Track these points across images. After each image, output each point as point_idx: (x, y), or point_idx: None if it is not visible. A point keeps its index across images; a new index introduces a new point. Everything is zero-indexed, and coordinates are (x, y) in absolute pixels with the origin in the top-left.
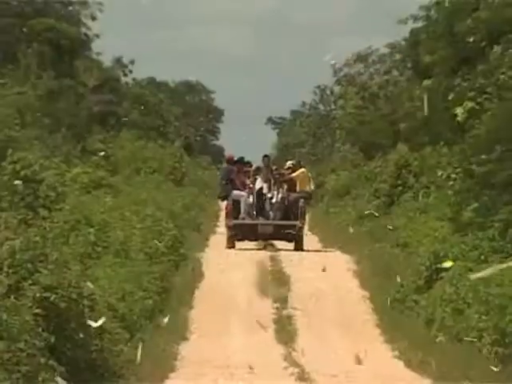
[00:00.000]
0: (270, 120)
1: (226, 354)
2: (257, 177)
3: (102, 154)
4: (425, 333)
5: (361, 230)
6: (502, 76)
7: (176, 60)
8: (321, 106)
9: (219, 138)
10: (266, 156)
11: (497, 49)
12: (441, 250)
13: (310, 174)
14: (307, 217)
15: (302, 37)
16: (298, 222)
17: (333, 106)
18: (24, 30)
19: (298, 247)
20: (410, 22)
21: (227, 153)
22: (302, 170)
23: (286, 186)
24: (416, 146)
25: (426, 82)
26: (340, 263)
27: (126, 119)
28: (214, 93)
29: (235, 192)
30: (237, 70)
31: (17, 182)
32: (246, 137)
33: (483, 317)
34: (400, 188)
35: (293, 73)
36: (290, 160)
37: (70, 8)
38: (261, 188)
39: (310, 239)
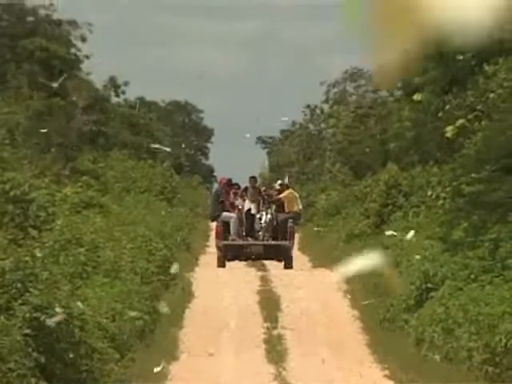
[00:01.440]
0: (260, 139)
1: (216, 374)
2: (245, 198)
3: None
4: (415, 352)
5: (351, 249)
6: (492, 95)
7: (165, 80)
8: (311, 126)
9: (209, 157)
10: (252, 177)
11: (488, 68)
12: (431, 270)
13: (297, 195)
14: (297, 236)
15: (291, 56)
16: (287, 242)
17: (323, 126)
18: (15, 50)
19: (288, 266)
20: None
21: (220, 176)
22: (290, 190)
23: (274, 207)
24: (406, 166)
25: (417, 96)
26: (330, 283)
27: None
28: (203, 112)
29: (224, 213)
30: (226, 90)
31: None
32: (235, 156)
33: (473, 336)
34: (390, 207)
35: (282, 92)
36: (280, 180)
37: (60, 28)
38: (249, 209)
39: (300, 259)
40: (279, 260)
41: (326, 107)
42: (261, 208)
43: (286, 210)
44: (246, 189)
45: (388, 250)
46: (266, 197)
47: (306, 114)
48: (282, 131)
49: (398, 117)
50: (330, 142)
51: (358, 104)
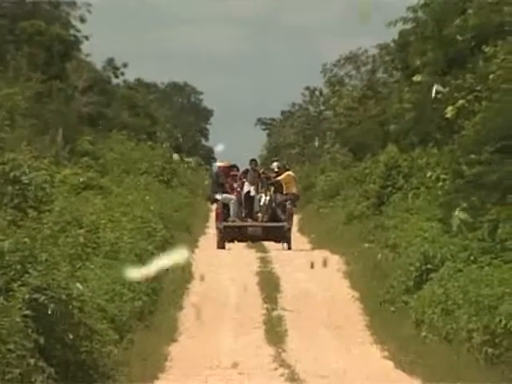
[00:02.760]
0: (260, 121)
1: (216, 355)
2: (244, 180)
3: None
4: (415, 333)
5: (351, 230)
6: (492, 76)
7: (164, 61)
8: (310, 107)
9: (209, 138)
10: (253, 160)
11: (488, 49)
12: (430, 251)
13: (295, 177)
14: (296, 217)
15: (291, 37)
16: (285, 224)
17: (322, 107)
18: (15, 31)
19: (286, 247)
20: (398, 24)
21: (222, 160)
22: (288, 172)
23: (272, 189)
24: (405, 147)
25: (417, 77)
26: (330, 264)
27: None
28: (203, 94)
29: (224, 195)
30: (226, 71)
31: None
32: (235, 137)
33: (473, 318)
34: (389, 189)
35: (283, 73)
36: (276, 161)
37: (59, 9)
38: (249, 191)
39: (300, 240)
40: (278, 241)
41: (326, 90)
42: (260, 190)
43: (285, 192)
44: (245, 171)
45: (388, 232)
46: (264, 179)
47: (305, 96)
48: (283, 112)
49: (398, 98)
50: (329, 122)
51: (367, 82)
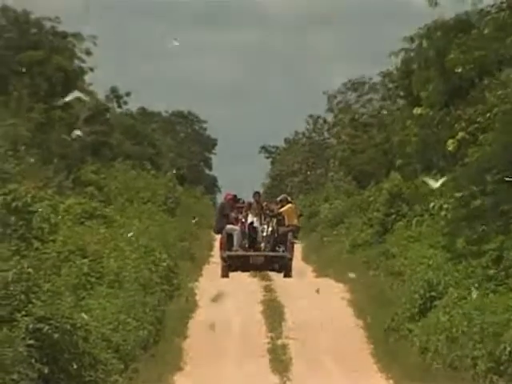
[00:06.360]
0: (264, 148)
1: None
2: (248, 212)
3: None
4: (419, 361)
5: (355, 258)
6: (495, 109)
7: (167, 90)
8: (314, 135)
9: (212, 167)
10: (256, 192)
11: (488, 81)
12: (434, 278)
13: (296, 209)
14: (300, 246)
15: (292, 65)
16: (287, 254)
17: (326, 135)
18: (19, 62)
19: (287, 275)
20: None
21: (226, 192)
22: (290, 205)
23: (275, 220)
24: (409, 175)
25: (417, 110)
26: (334, 292)
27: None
28: (207, 122)
29: (228, 226)
30: (229, 100)
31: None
32: (238, 166)
33: (478, 345)
34: (393, 216)
35: (286, 102)
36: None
37: (66, 41)
38: (252, 222)
39: (304, 269)
40: (279, 270)
41: (329, 117)
42: (263, 221)
43: (287, 224)
44: (249, 204)
45: (392, 259)
46: (267, 211)
47: (309, 124)
48: (286, 140)
49: (402, 126)
50: (333, 150)
51: (360, 112)
